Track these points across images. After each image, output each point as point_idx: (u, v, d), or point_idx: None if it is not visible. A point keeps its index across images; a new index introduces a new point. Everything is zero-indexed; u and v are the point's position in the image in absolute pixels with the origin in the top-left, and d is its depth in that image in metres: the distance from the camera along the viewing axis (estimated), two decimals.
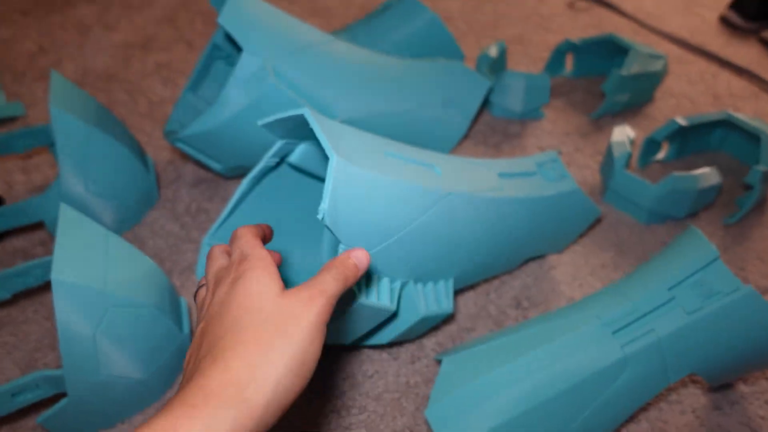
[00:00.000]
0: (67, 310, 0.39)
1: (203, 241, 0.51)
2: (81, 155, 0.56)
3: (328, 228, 0.39)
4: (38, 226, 0.63)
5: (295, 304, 0.29)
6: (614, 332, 0.43)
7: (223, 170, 0.65)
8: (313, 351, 0.29)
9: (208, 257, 0.36)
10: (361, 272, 0.34)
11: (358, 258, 0.34)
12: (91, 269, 0.42)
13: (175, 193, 0.68)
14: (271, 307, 0.29)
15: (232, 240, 0.35)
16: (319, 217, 0.38)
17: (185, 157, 0.73)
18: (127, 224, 0.63)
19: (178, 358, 0.48)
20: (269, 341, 0.28)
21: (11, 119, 0.77)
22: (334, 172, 0.39)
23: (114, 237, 0.46)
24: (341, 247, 0.40)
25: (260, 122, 0.45)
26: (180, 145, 0.63)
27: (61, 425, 0.44)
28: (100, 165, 0.58)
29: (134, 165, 0.61)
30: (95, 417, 0.45)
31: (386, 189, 0.42)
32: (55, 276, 0.39)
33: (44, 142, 0.64)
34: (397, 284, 0.45)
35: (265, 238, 0.38)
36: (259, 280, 0.30)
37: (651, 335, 0.43)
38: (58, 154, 0.55)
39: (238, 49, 0.66)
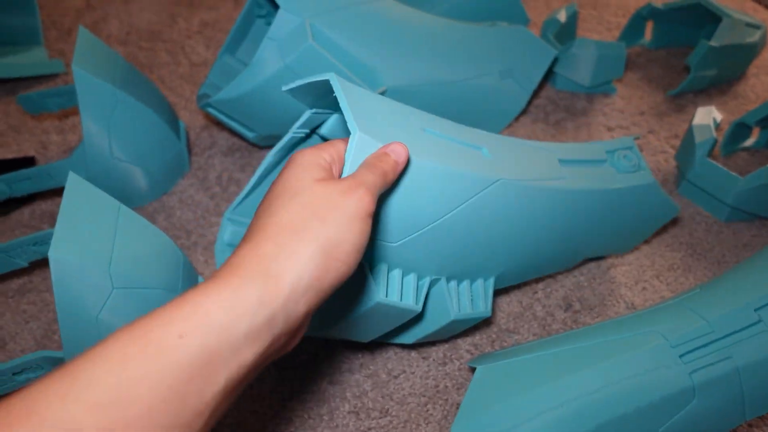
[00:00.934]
0: (67, 290, 0.37)
1: (224, 215, 0.47)
2: (105, 118, 0.53)
3: None
4: None
5: (333, 192, 0.29)
6: (682, 355, 0.37)
7: (255, 139, 0.61)
8: (353, 238, 0.28)
9: None
10: (400, 167, 0.33)
11: (396, 152, 0.33)
12: (96, 247, 0.38)
13: (208, 161, 0.65)
14: (308, 192, 0.29)
15: None
16: None
17: (220, 123, 0.69)
18: (156, 193, 0.60)
19: None
20: (302, 223, 0.27)
21: (51, 76, 0.76)
22: (354, 149, 0.34)
23: (126, 211, 0.43)
24: None
25: (284, 87, 0.40)
26: (211, 111, 0.59)
27: None
28: (125, 129, 0.54)
29: (163, 131, 0.58)
30: None
31: (418, 172, 0.37)
32: (53, 254, 0.36)
33: (77, 101, 0.62)
34: (426, 281, 0.40)
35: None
36: (302, 164, 0.30)
37: (728, 363, 0.36)
38: (82, 117, 0.52)
39: (276, 6, 0.60)
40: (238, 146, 0.67)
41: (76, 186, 0.41)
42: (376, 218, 0.36)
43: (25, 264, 0.48)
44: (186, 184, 0.62)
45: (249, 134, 0.61)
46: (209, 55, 0.81)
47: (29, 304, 0.52)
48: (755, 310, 0.37)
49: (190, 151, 0.65)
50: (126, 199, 0.56)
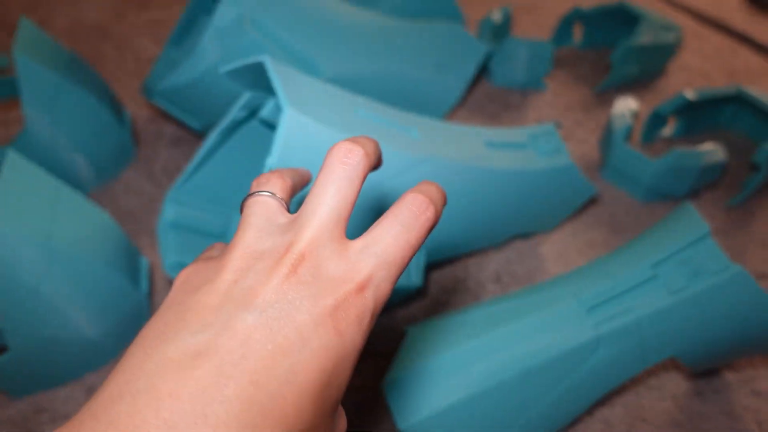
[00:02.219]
0: (5, 261, 0.37)
1: (167, 195, 0.49)
2: (48, 105, 0.54)
3: None
4: None
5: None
6: (588, 310, 0.40)
7: (201, 128, 0.63)
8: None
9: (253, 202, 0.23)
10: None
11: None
12: (35, 220, 0.39)
13: (154, 151, 0.66)
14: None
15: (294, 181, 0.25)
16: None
17: (167, 115, 0.70)
18: (100, 181, 0.61)
19: (133, 317, 0.46)
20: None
21: None
22: (286, 124, 0.36)
23: (66, 190, 0.44)
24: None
25: (222, 69, 0.42)
26: (156, 100, 0.60)
27: (6, 381, 0.42)
28: (68, 117, 0.55)
29: (106, 119, 0.59)
30: (43, 374, 0.43)
31: None
32: None
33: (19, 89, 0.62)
34: None
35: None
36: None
37: (629, 314, 0.40)
38: (24, 103, 0.53)
39: None
40: (185, 138, 0.68)
41: (14, 164, 0.41)
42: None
43: None
44: (131, 173, 0.63)
45: (195, 123, 0.62)
46: (157, 51, 0.82)
47: None
48: (652, 266, 0.41)
49: (135, 141, 0.66)
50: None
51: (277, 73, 0.39)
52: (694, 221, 0.42)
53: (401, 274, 0.22)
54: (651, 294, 0.40)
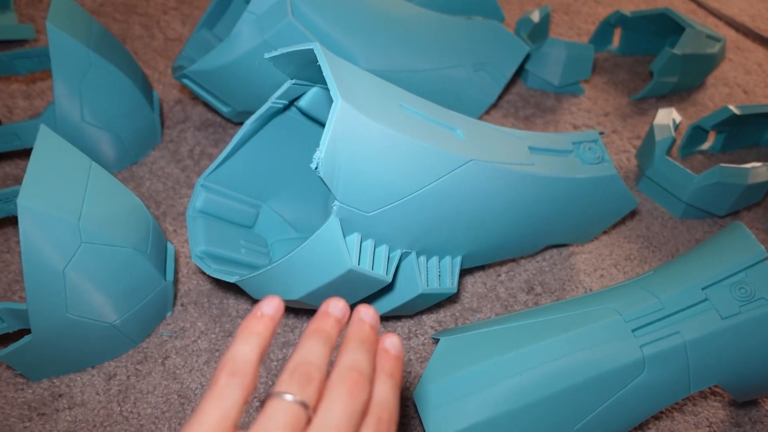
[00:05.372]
0: (34, 240, 0.36)
1: (198, 181, 0.47)
2: (78, 80, 0.52)
3: (322, 180, 0.34)
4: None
5: None
6: (634, 330, 0.39)
7: (230, 114, 0.61)
8: None
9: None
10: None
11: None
12: (66, 199, 0.38)
13: (180, 134, 0.65)
14: None
15: None
16: (313, 166, 0.34)
17: (195, 98, 0.69)
18: (125, 161, 0.59)
19: (157, 305, 0.45)
20: None
21: (20, 42, 0.74)
22: (336, 117, 0.34)
23: (98, 169, 0.42)
24: (336, 204, 0.36)
25: (267, 55, 0.40)
26: (186, 82, 0.59)
27: (25, 363, 0.41)
28: (98, 93, 0.54)
29: (137, 98, 0.57)
30: (63, 358, 0.42)
31: (395, 146, 0.38)
32: (23, 202, 0.35)
33: (47, 65, 0.60)
34: (397, 254, 0.41)
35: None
36: None
37: (676, 337, 0.38)
38: (53, 77, 0.51)
39: None
40: (211, 121, 0.66)
41: (47, 139, 0.40)
42: (353, 187, 0.37)
43: None
44: (157, 155, 0.62)
45: (224, 108, 0.61)
46: (185, 32, 0.80)
47: None
48: (702, 289, 0.39)
49: (162, 123, 0.65)
50: None
51: (328, 62, 0.37)
52: (748, 244, 0.40)
53: None
54: (701, 318, 0.38)
